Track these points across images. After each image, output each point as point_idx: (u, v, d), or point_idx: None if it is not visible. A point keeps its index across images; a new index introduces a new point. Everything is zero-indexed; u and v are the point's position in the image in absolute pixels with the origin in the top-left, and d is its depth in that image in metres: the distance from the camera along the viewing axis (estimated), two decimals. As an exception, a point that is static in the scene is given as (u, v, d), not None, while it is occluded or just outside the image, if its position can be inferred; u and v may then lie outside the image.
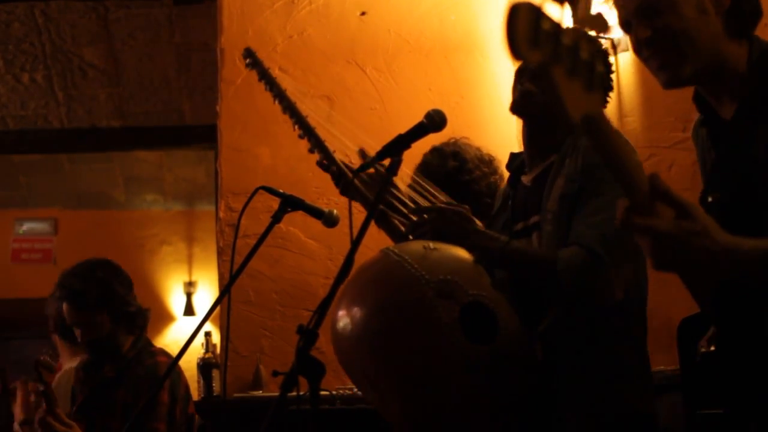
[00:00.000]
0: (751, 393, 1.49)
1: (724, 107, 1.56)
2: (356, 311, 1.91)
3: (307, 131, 2.48)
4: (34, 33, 6.12)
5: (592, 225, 1.91)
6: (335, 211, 2.44)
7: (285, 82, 2.61)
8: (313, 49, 4.00)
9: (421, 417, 1.91)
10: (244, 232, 2.96)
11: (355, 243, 1.90)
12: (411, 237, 2.13)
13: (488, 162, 2.61)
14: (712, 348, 1.59)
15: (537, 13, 1.03)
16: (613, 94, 2.81)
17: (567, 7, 1.02)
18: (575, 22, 1.08)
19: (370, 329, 1.90)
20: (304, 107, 2.57)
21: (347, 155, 2.47)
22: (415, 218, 2.15)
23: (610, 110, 3.33)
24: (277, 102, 2.57)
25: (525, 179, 2.17)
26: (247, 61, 2.69)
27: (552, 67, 1.04)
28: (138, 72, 6.56)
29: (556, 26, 1.04)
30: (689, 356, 2.12)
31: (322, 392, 1.67)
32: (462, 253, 1.99)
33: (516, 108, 2.18)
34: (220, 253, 3.86)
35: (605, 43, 3.11)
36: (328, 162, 2.42)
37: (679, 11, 1.50)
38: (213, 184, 4.83)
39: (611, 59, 2.76)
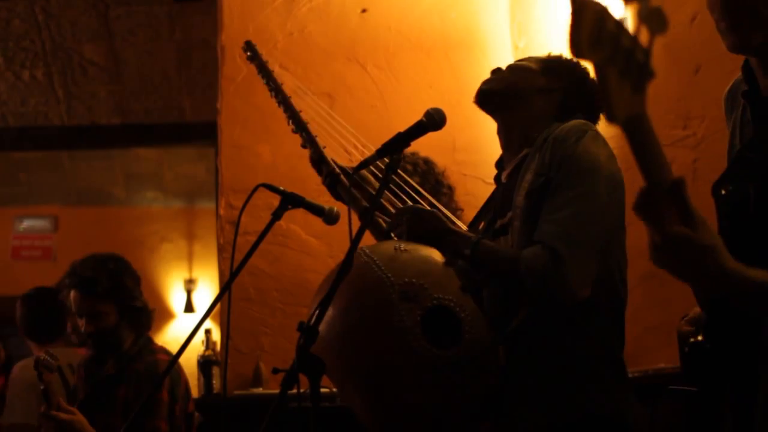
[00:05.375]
0: (731, 375, 1.48)
1: None
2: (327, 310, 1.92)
3: (300, 126, 2.50)
4: (34, 30, 6.12)
5: (556, 221, 1.87)
6: (335, 209, 2.44)
7: (284, 77, 2.63)
8: (313, 47, 4.00)
9: (382, 419, 1.91)
10: (245, 230, 2.96)
11: (355, 241, 1.90)
12: (392, 234, 2.13)
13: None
14: (700, 338, 1.59)
15: (602, 12, 1.02)
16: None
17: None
18: (636, 16, 1.05)
19: (335, 330, 1.89)
20: (302, 103, 2.59)
21: (347, 152, 2.48)
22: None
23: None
24: (272, 95, 2.59)
25: (503, 176, 2.17)
26: (248, 54, 2.71)
27: (607, 68, 1.03)
28: (138, 69, 6.56)
29: (620, 27, 1.03)
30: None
31: (323, 389, 1.67)
32: (433, 255, 1.97)
33: (476, 101, 2.19)
34: (220, 251, 3.86)
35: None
36: (317, 158, 2.43)
37: None
38: (213, 181, 4.84)
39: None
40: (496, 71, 2.20)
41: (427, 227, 2.03)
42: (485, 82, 2.16)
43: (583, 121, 2.03)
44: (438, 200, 2.70)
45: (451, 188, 2.81)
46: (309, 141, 2.46)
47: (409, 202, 2.25)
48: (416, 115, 2.08)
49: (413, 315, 1.84)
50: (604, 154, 1.95)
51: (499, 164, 2.22)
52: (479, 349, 1.88)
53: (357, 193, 2.33)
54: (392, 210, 2.24)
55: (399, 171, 2.33)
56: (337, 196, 2.42)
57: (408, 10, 4.08)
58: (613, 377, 1.96)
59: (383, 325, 1.86)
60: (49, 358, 2.96)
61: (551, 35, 3.84)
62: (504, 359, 1.94)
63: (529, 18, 4.03)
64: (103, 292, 3.15)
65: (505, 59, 4.07)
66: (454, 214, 2.73)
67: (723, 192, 1.49)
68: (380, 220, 2.23)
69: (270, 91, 2.61)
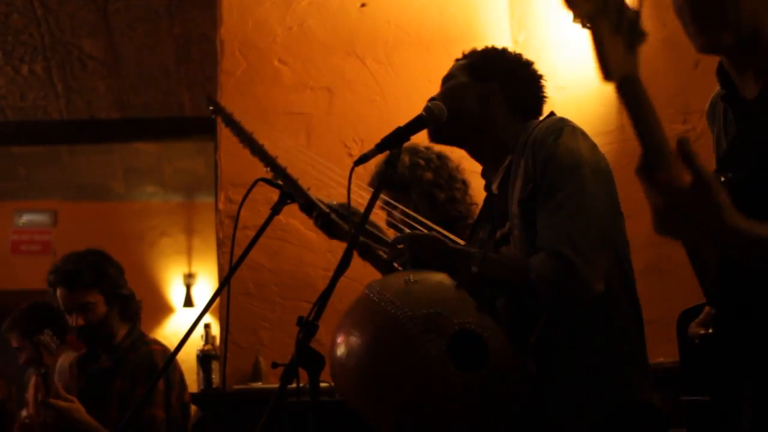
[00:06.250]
0: (747, 375, 1.48)
1: (747, 85, 1.52)
2: (348, 356, 1.91)
3: (280, 173, 2.47)
4: (33, 24, 6.11)
5: (555, 225, 1.88)
6: (335, 203, 2.44)
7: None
8: (312, 41, 4.00)
9: None
10: (244, 224, 2.96)
11: (354, 236, 1.90)
12: (396, 264, 2.12)
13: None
14: (711, 330, 1.58)
15: None
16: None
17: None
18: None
19: (366, 374, 1.89)
20: (276, 148, 2.55)
21: (323, 182, 2.46)
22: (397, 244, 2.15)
23: (610, 102, 3.32)
24: (244, 146, 2.57)
25: (493, 187, 2.16)
26: (211, 108, 2.68)
27: (598, 20, 1.04)
28: (137, 63, 6.55)
29: None
30: (688, 347, 2.11)
31: (322, 384, 1.68)
32: (444, 280, 1.97)
33: (432, 141, 2.22)
34: (219, 245, 3.86)
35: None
36: (305, 204, 2.42)
37: None
38: (212, 175, 4.83)
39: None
40: (432, 100, 2.17)
41: (429, 251, 2.03)
42: (428, 117, 2.08)
43: (557, 117, 2.05)
44: (451, 195, 2.68)
45: (465, 183, 2.79)
46: (292, 187, 2.44)
47: (406, 230, 2.25)
48: (415, 110, 2.08)
49: (438, 345, 1.83)
50: (585, 147, 1.96)
51: (485, 175, 2.22)
52: (509, 364, 1.89)
53: (351, 228, 2.31)
54: (388, 239, 2.24)
55: (391, 201, 2.32)
56: (332, 236, 2.41)
57: (407, 4, 4.08)
58: (640, 363, 1.99)
59: (411, 362, 1.85)
60: (49, 340, 2.96)
61: (550, 29, 3.84)
62: (534, 369, 1.94)
63: (529, 12, 4.03)
64: (87, 281, 3.16)
65: (504, 53, 4.06)
66: (468, 208, 2.73)
67: (723, 179, 1.49)
68: (380, 252, 2.23)
69: (241, 142, 2.59)
